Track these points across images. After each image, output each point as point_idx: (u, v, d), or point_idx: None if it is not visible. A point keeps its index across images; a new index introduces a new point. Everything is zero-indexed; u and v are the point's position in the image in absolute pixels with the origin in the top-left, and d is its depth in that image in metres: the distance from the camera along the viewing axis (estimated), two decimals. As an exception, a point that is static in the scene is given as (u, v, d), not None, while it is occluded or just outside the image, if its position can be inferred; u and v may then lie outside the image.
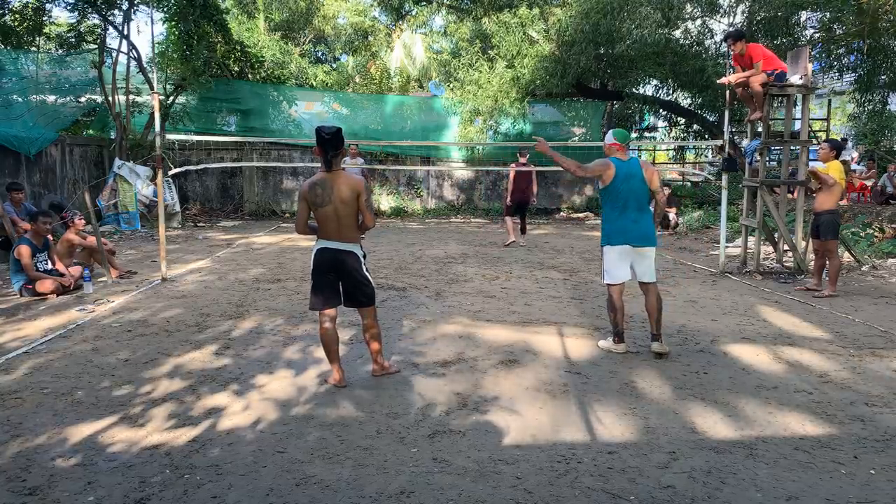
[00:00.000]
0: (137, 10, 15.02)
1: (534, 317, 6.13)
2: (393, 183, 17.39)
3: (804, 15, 13.82)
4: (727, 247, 9.01)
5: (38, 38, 14.52)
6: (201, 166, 11.74)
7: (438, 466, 3.15)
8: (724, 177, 8.48)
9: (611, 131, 5.22)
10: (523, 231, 11.59)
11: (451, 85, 16.32)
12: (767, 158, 9.18)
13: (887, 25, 11.49)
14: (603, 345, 5.11)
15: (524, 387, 4.26)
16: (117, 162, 13.53)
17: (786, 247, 8.66)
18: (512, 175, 10.94)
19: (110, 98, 13.83)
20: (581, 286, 7.63)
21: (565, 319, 6.06)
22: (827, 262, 7.18)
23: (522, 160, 11.12)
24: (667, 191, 14.21)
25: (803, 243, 8.48)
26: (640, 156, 21.41)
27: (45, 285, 6.87)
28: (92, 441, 3.42)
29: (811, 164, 8.87)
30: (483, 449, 3.35)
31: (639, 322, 5.91)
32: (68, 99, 14.16)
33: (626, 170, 4.93)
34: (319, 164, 4.16)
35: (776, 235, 8.88)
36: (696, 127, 17.14)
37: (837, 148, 7.37)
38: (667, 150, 22.65)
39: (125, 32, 14.21)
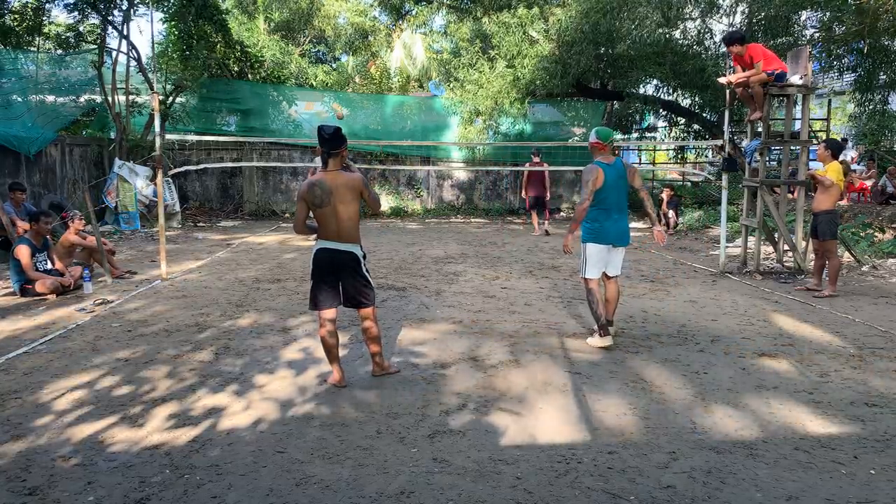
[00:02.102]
0: (137, 10, 15.04)
1: (534, 317, 6.13)
2: (393, 183, 17.39)
3: (804, 15, 13.80)
4: (727, 247, 9.00)
5: (37, 38, 14.51)
6: (201, 166, 11.74)
7: (438, 466, 3.15)
8: (724, 177, 8.49)
9: (594, 130, 5.26)
10: (545, 220, 12.95)
11: (451, 85, 16.30)
12: (767, 158, 9.18)
13: (887, 25, 11.47)
14: (592, 342, 5.16)
15: (524, 387, 4.26)
16: (117, 162, 13.53)
17: (786, 247, 8.66)
18: (525, 174, 11.92)
19: (110, 98, 13.84)
20: (581, 286, 7.59)
21: (565, 319, 6.06)
22: (826, 262, 7.18)
23: (535, 159, 11.91)
24: (668, 192, 14.21)
25: (803, 243, 8.47)
26: (639, 156, 21.51)
27: (45, 285, 6.86)
28: (92, 441, 3.42)
29: (811, 164, 8.87)
30: (483, 449, 3.34)
31: (638, 322, 5.92)
32: (68, 99, 14.16)
33: (613, 174, 5.10)
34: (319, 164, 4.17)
35: (776, 235, 8.88)
36: (696, 127, 17.11)
37: (834, 148, 7.35)
38: (667, 150, 22.61)
39: (125, 32, 14.22)
